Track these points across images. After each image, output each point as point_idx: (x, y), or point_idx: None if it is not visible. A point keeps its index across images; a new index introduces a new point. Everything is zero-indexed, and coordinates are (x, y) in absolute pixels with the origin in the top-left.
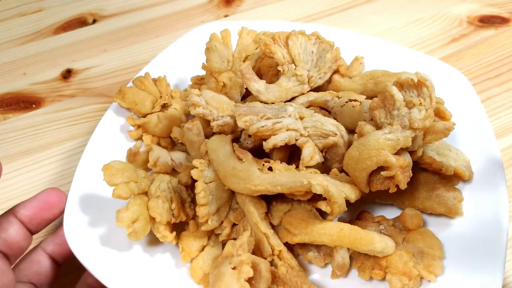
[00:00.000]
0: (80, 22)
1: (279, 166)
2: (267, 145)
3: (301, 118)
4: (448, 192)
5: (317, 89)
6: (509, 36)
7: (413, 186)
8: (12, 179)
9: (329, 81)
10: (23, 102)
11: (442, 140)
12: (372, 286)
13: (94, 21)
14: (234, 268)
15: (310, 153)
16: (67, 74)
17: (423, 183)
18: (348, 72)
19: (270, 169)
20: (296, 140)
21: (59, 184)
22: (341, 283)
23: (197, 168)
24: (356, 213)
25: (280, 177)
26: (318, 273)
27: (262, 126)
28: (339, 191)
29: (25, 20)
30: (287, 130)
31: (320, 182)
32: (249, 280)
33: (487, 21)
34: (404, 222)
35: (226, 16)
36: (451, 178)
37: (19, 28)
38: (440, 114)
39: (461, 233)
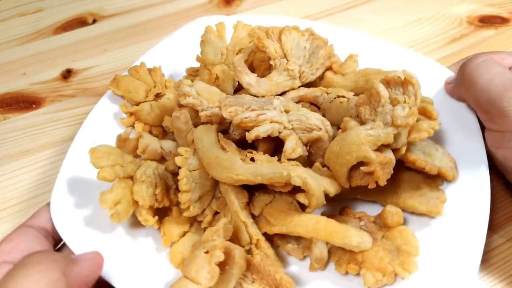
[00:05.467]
0: (80, 22)
1: (261, 157)
2: (250, 136)
3: (287, 112)
4: (431, 192)
5: (308, 85)
6: (509, 36)
7: (397, 184)
8: (12, 179)
9: (321, 77)
10: (23, 102)
11: (430, 139)
12: (348, 280)
13: (94, 21)
14: (207, 252)
15: (293, 146)
16: (67, 74)
17: (407, 181)
18: (342, 69)
19: (252, 159)
20: (280, 132)
21: None
22: (318, 276)
23: (182, 155)
24: (339, 208)
25: (262, 167)
26: (297, 265)
27: (246, 117)
28: (318, 184)
29: (25, 20)
30: (271, 122)
31: (299, 174)
32: (223, 265)
33: (487, 21)
34: (384, 219)
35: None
36: (435, 178)
37: (19, 28)
38: (427, 113)
39: (440, 233)
